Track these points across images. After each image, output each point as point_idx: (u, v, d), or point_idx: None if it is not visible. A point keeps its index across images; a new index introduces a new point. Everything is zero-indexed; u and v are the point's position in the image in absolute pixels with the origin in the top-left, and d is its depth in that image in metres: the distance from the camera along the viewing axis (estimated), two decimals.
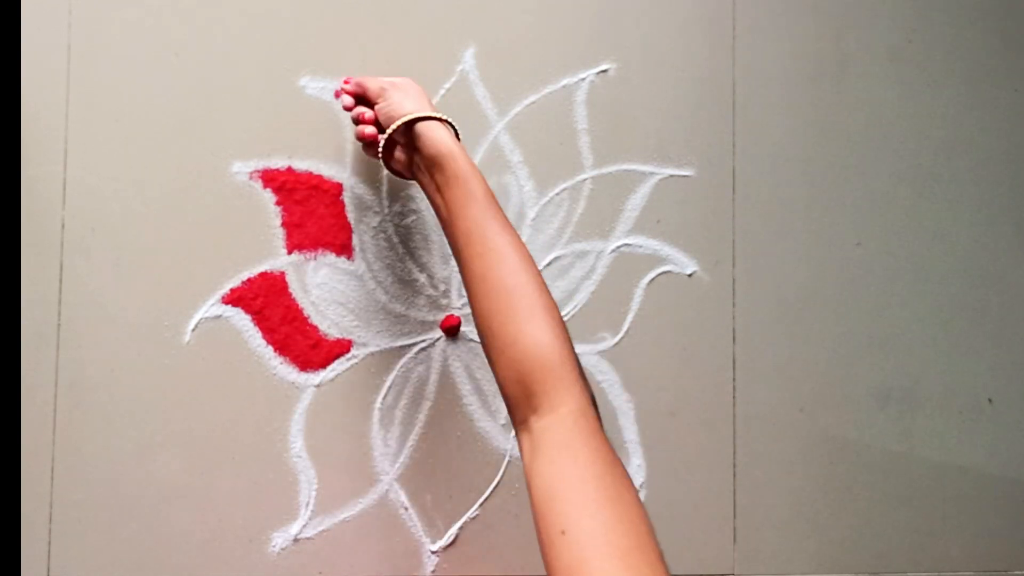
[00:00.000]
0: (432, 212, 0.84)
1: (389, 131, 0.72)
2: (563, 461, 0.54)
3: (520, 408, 0.59)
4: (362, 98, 0.77)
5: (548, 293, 0.62)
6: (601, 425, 0.57)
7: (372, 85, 0.76)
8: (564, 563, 0.49)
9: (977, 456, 0.89)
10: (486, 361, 0.83)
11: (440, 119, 0.71)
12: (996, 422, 0.90)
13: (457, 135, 0.72)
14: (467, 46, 0.85)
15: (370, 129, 0.75)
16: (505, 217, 0.66)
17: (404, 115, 0.71)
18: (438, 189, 0.69)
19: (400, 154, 0.74)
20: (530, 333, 0.59)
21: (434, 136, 0.69)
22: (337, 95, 0.82)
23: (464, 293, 0.84)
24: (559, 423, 0.55)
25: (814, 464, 0.88)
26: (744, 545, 0.86)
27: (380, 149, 0.74)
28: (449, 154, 0.68)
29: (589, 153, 0.86)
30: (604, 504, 0.51)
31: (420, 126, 0.70)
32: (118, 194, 0.81)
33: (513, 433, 0.84)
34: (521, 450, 0.58)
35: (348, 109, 0.77)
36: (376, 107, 0.75)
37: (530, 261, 0.63)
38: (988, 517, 0.89)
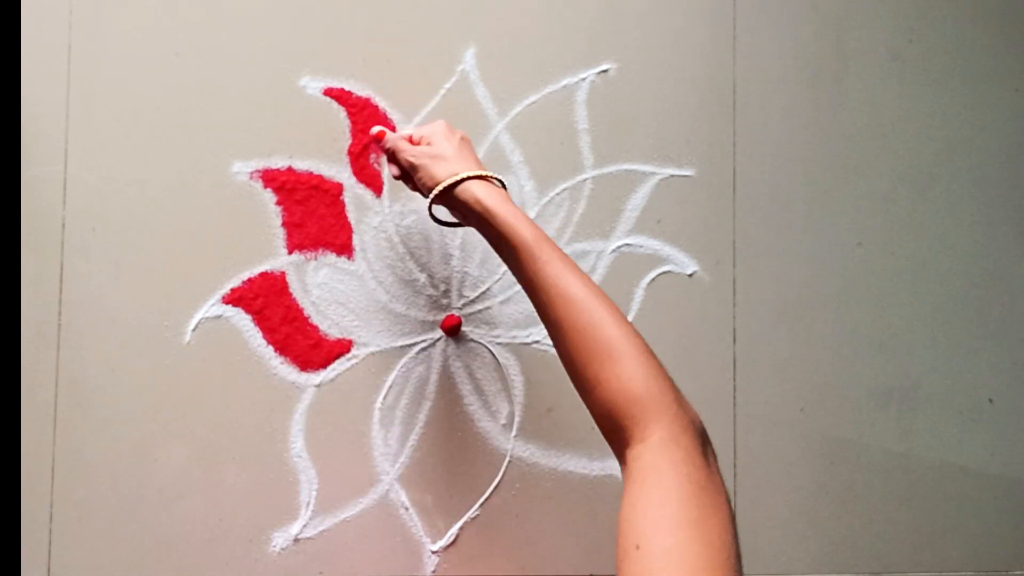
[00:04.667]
0: None
1: (428, 205, 0.71)
2: (648, 483, 0.53)
3: (615, 443, 0.58)
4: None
5: (626, 324, 0.60)
6: (704, 451, 0.56)
7: (401, 160, 0.74)
8: (635, 574, 0.49)
9: (977, 456, 0.89)
10: (486, 361, 0.84)
11: (473, 177, 0.69)
12: (996, 422, 0.90)
13: (503, 184, 0.71)
14: (467, 46, 0.85)
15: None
16: (563, 255, 0.64)
17: (435, 187, 0.70)
18: (491, 245, 0.68)
19: (454, 213, 0.73)
20: (611, 371, 0.58)
21: (467, 199, 0.68)
22: (326, 93, 0.83)
23: (464, 293, 0.84)
24: (647, 450, 0.55)
25: (814, 464, 0.88)
26: (744, 545, 0.86)
27: (431, 216, 0.73)
28: (484, 213, 0.67)
29: (589, 153, 0.86)
30: (683, 525, 0.50)
31: (456, 190, 0.69)
32: (118, 194, 0.81)
33: (514, 433, 0.84)
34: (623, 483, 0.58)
35: (397, 179, 0.77)
36: (414, 181, 0.74)
37: (599, 295, 0.62)
38: (988, 517, 0.89)
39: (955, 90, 0.91)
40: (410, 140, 0.76)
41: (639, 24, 0.87)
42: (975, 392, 0.90)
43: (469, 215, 0.69)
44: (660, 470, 0.53)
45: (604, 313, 0.60)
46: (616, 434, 0.58)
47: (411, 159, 0.73)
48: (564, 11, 0.86)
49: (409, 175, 0.75)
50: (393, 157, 0.76)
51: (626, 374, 0.58)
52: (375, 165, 0.83)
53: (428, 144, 0.73)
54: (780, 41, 0.89)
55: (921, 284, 0.90)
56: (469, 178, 0.69)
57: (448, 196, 0.70)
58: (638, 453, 0.55)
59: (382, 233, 0.83)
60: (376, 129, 0.82)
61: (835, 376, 0.88)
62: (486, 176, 0.70)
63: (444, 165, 0.71)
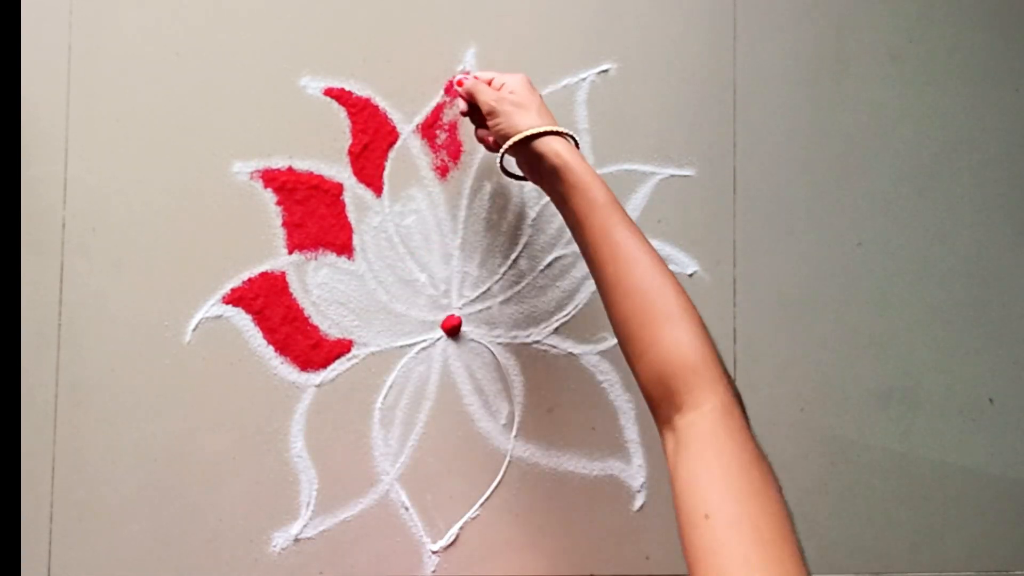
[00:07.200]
0: (432, 211, 0.84)
1: (503, 151, 0.71)
2: (709, 452, 0.54)
3: (663, 407, 0.58)
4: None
5: (684, 293, 0.61)
6: (748, 423, 0.56)
7: (482, 101, 0.74)
8: (706, 543, 0.49)
9: (977, 456, 0.89)
10: (486, 361, 0.84)
11: (553, 132, 0.69)
12: (997, 422, 0.90)
13: (577, 144, 0.71)
14: (468, 46, 0.85)
15: (491, 137, 0.75)
16: (631, 220, 0.65)
17: (515, 134, 0.70)
18: (561, 200, 0.68)
19: (522, 165, 0.73)
20: (670, 334, 0.58)
21: (548, 150, 0.68)
22: (327, 93, 0.83)
23: (465, 293, 0.84)
24: (703, 419, 0.55)
25: (814, 464, 0.88)
26: None
27: (500, 165, 0.74)
28: (565, 166, 0.67)
29: (590, 153, 0.86)
30: (750, 494, 0.51)
31: (535, 141, 0.69)
32: (118, 194, 0.81)
33: (514, 433, 0.84)
34: (665, 449, 0.58)
35: (464, 115, 0.78)
36: (489, 125, 0.73)
37: (661, 263, 0.62)
38: (988, 517, 0.89)
39: (955, 90, 0.91)
40: (488, 84, 0.76)
41: (639, 24, 0.87)
42: (975, 392, 0.90)
43: (542, 168, 0.69)
44: (719, 439, 0.54)
45: (669, 280, 0.61)
46: (667, 399, 0.58)
47: (493, 103, 0.72)
48: (564, 11, 0.86)
49: (479, 118, 0.75)
50: (470, 98, 0.76)
51: (685, 339, 0.58)
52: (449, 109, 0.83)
53: (511, 92, 0.73)
54: (780, 41, 0.89)
55: (921, 284, 0.90)
56: (550, 132, 0.69)
57: (525, 147, 0.70)
58: (692, 420, 0.56)
59: (382, 233, 0.83)
60: (458, 76, 0.82)
61: (835, 376, 0.88)
62: (564, 134, 0.70)
63: (526, 115, 0.71)
